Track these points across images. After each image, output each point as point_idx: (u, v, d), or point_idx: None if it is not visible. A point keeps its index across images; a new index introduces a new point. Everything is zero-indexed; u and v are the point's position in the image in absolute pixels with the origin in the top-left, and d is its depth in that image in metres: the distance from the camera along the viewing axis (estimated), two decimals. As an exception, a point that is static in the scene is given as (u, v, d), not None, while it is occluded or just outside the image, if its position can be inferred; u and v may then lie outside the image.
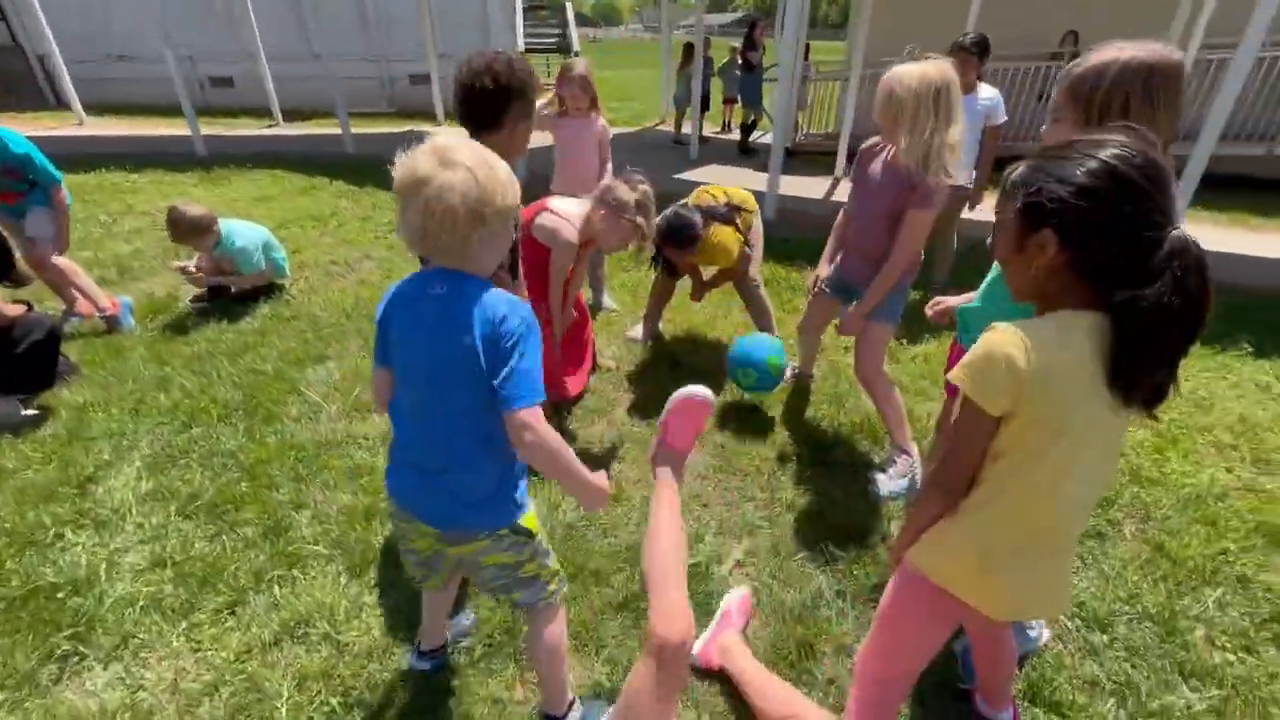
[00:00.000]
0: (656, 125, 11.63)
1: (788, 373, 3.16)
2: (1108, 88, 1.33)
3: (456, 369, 1.21)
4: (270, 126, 10.47)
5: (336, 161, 7.66)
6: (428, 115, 11.42)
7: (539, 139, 2.45)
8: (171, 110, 9.01)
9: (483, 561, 1.39)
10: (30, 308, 2.74)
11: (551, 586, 1.48)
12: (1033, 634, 1.79)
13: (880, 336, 2.41)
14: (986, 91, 3.54)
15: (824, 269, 2.61)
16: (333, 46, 9.65)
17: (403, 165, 1.14)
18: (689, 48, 9.97)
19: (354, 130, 8.51)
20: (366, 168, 7.34)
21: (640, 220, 2.51)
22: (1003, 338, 1.01)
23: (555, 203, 2.58)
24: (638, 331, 3.54)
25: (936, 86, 2.00)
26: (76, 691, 1.71)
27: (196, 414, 2.80)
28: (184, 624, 1.88)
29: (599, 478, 1.33)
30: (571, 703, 1.59)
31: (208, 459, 2.55)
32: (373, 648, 1.81)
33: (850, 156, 8.04)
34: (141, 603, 1.93)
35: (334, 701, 1.66)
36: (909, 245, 2.21)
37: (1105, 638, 1.83)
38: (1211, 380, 3.19)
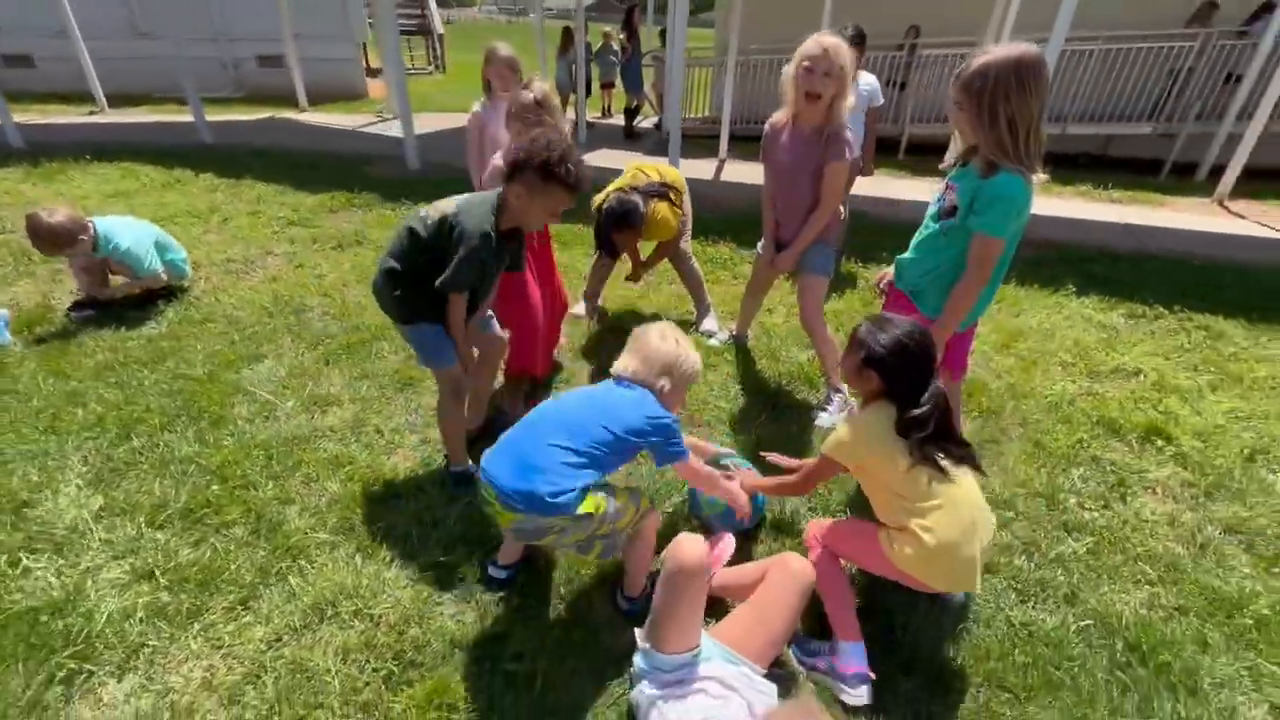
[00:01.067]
0: (537, 110, 11.51)
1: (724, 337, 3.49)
2: (992, 84, 1.75)
3: (639, 436, 1.70)
4: (93, 113, 9.18)
5: (195, 152, 6.95)
6: (284, 100, 10.54)
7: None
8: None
9: (562, 540, 1.70)
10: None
11: (626, 525, 1.76)
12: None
13: (819, 287, 2.80)
14: (867, 78, 4.04)
15: (768, 243, 2.93)
16: (163, 23, 8.59)
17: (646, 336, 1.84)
18: (568, 32, 10.02)
19: (207, 117, 7.70)
20: (236, 158, 6.74)
21: (546, 117, 2.64)
22: (841, 433, 1.76)
23: None
24: (581, 309, 3.70)
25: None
26: (94, 707, 1.63)
27: (131, 424, 2.59)
28: (196, 626, 1.83)
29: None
30: (643, 590, 1.89)
31: (161, 467, 2.39)
32: (408, 615, 1.87)
33: (732, 139, 8.62)
34: (140, 614, 1.85)
35: (388, 666, 1.73)
36: (833, 192, 2.61)
37: (1011, 513, 2.33)
38: (1051, 315, 3.94)
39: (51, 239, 3.18)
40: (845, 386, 2.93)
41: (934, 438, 1.63)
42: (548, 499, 1.57)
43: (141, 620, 1.83)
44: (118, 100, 9.68)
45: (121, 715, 1.60)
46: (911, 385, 1.67)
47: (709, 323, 3.60)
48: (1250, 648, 1.87)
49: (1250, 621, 1.94)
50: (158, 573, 1.97)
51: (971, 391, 3.00)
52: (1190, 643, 1.87)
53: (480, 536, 2.13)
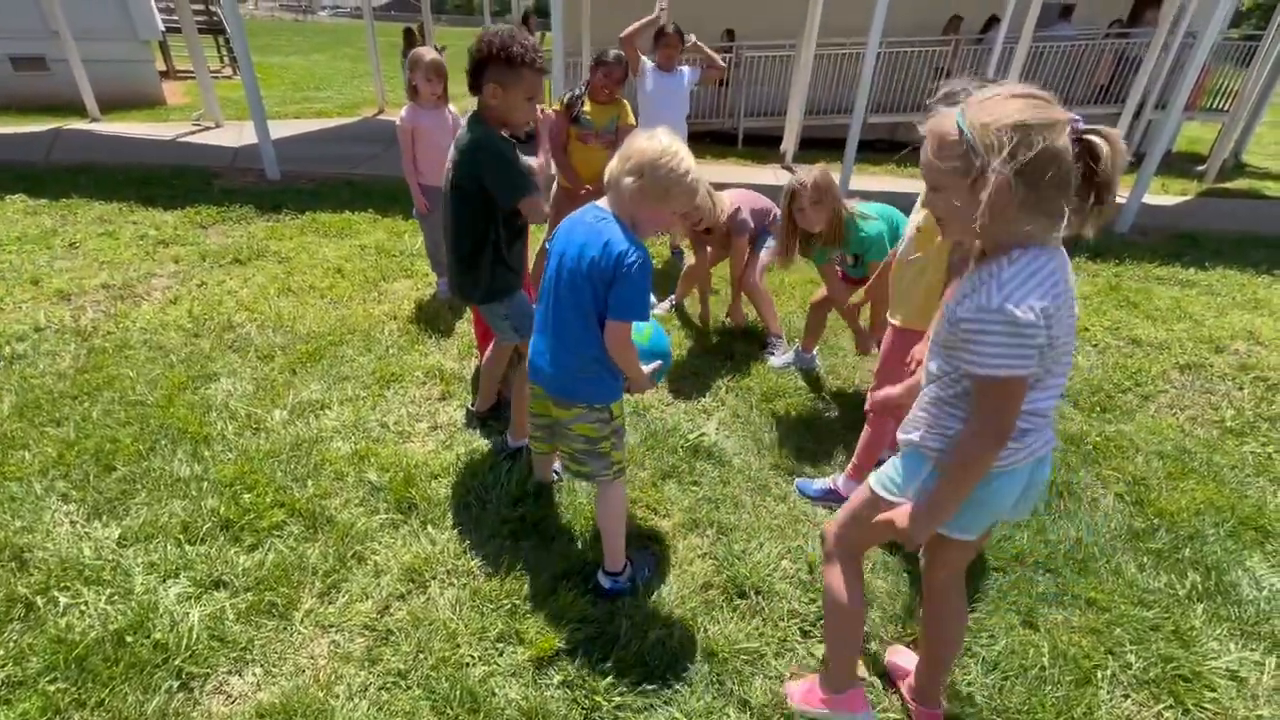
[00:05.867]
0: (377, 115, 10.99)
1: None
2: None
3: (593, 271, 1.59)
4: None
5: (-19, 172, 5.81)
6: (54, 108, 8.99)
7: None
8: None
9: (574, 429, 1.80)
10: None
11: (616, 465, 1.85)
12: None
13: (765, 259, 3.39)
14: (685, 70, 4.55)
15: None
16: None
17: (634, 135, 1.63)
18: (410, 34, 9.74)
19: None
20: (47, 177, 5.79)
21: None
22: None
23: None
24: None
25: None
26: (224, 703, 1.65)
27: (104, 456, 2.39)
28: (296, 615, 1.86)
29: (648, 375, 1.81)
30: (625, 565, 1.98)
31: (166, 489, 2.27)
32: (502, 564, 2.05)
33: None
34: (231, 615, 1.84)
35: (511, 602, 1.92)
36: (740, 251, 3.44)
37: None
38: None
39: None
40: (783, 331, 3.52)
41: None
42: (576, 382, 1.74)
43: (236, 620, 1.83)
44: None
45: (264, 700, 1.63)
46: None
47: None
48: (1095, 463, 2.72)
49: (1091, 447, 2.81)
50: (228, 579, 1.95)
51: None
52: (1064, 467, 2.67)
53: (538, 491, 2.35)
